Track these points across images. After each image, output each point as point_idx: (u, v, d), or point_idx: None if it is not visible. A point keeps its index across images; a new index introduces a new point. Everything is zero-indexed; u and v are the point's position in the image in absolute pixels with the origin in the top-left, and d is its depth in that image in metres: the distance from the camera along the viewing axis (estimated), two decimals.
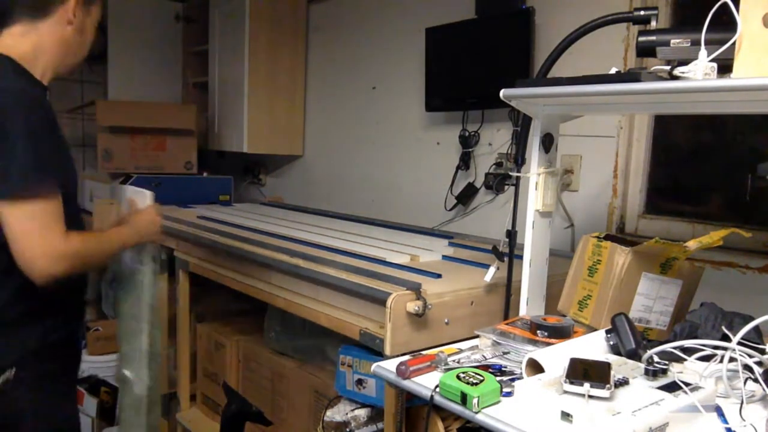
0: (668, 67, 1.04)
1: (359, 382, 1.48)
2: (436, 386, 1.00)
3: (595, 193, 1.95)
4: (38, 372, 1.31)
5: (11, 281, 1.25)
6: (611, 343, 1.12)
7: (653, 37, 1.11)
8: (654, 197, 1.91)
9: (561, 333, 1.19)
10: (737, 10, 0.94)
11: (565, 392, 0.90)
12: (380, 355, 1.30)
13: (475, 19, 2.21)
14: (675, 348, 1.09)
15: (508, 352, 1.17)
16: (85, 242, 1.29)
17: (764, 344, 1.05)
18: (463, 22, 2.23)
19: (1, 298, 1.27)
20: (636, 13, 1.25)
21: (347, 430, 1.47)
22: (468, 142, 2.30)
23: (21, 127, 1.18)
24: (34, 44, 1.32)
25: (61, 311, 1.37)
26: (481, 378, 0.97)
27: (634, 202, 1.91)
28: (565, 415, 0.86)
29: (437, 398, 1.00)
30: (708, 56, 0.98)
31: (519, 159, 1.42)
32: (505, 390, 0.98)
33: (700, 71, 0.98)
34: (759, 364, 1.00)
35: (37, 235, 1.18)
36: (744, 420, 0.92)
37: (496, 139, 2.24)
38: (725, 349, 1.01)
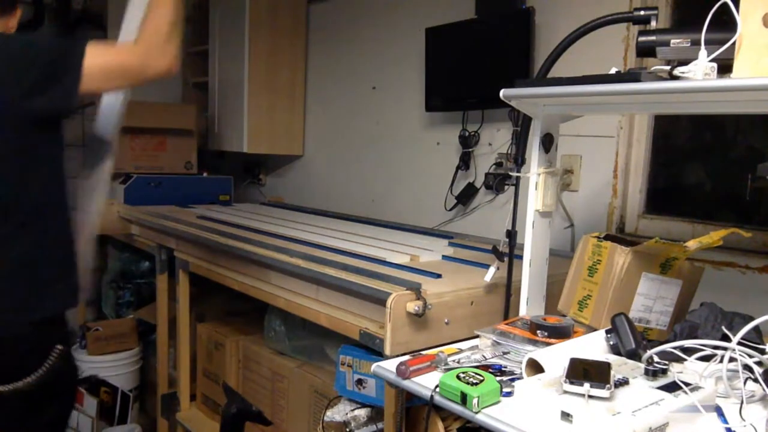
0: (668, 67, 1.04)
1: (359, 382, 1.48)
2: (436, 386, 1.00)
3: (595, 193, 1.95)
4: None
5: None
6: (611, 343, 1.12)
7: (653, 37, 1.11)
8: (654, 197, 1.91)
9: (561, 333, 1.19)
10: (737, 10, 0.94)
11: (565, 392, 0.90)
12: (380, 355, 1.30)
13: (475, 19, 2.21)
14: (675, 348, 1.09)
15: (508, 352, 1.17)
16: (151, 23, 1.33)
17: (764, 344, 1.05)
18: (463, 22, 2.23)
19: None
20: (636, 13, 1.25)
21: (347, 430, 1.47)
22: (468, 142, 2.30)
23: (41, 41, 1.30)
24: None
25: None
26: (481, 378, 0.97)
27: (634, 202, 1.91)
28: (565, 415, 0.86)
29: (437, 398, 1.00)
30: (708, 56, 0.98)
31: (519, 159, 1.42)
32: (505, 390, 0.98)
33: (700, 71, 0.98)
34: (759, 364, 1.00)
35: (121, 55, 1.31)
36: (744, 420, 0.92)
37: (496, 139, 2.24)
38: (725, 349, 1.01)
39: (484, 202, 2.29)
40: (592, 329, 1.24)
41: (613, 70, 1.12)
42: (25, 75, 1.24)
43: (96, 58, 1.27)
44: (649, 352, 1.04)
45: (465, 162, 2.32)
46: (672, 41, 1.07)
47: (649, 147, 1.89)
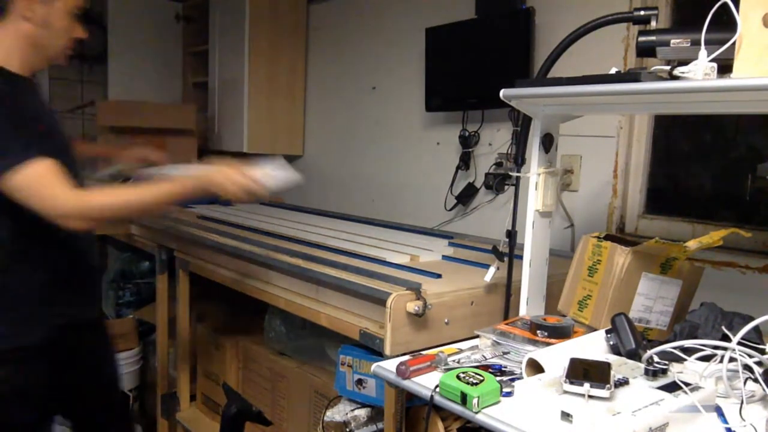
0: (668, 67, 1.04)
1: (359, 382, 1.48)
2: (436, 386, 1.00)
3: (595, 193, 1.95)
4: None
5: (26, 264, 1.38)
6: (611, 343, 1.12)
7: (653, 37, 1.11)
8: (654, 197, 1.91)
9: (561, 333, 1.19)
10: (737, 10, 0.94)
11: (565, 392, 0.90)
12: (380, 355, 1.30)
13: (475, 19, 2.21)
14: (675, 348, 1.09)
15: (508, 352, 1.17)
16: (103, 194, 1.33)
17: (764, 344, 1.05)
18: (463, 22, 2.23)
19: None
20: (636, 13, 1.25)
21: (347, 430, 1.47)
22: (468, 142, 2.30)
23: None
24: (1, 40, 1.34)
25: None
26: (481, 378, 0.97)
27: (634, 202, 1.91)
28: (565, 415, 0.86)
29: (437, 398, 1.00)
30: (708, 56, 0.98)
31: (519, 159, 1.42)
32: (505, 390, 0.98)
33: (700, 71, 0.98)
34: (759, 364, 1.00)
35: (41, 197, 1.25)
36: (744, 420, 0.92)
37: (496, 139, 2.24)
38: (725, 349, 1.01)
39: (484, 202, 2.29)
40: (592, 329, 1.24)
41: (613, 70, 1.12)
42: None
43: (18, 181, 1.23)
44: (649, 352, 1.04)
45: (465, 162, 2.32)
46: (672, 41, 1.07)
47: (649, 147, 1.89)
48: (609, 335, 1.13)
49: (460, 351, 1.19)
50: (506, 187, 2.18)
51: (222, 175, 1.40)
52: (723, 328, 1.13)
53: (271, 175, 1.41)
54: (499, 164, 2.21)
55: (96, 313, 1.69)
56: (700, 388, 0.93)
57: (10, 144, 1.25)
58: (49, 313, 1.47)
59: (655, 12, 1.22)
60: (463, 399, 0.94)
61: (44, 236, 1.39)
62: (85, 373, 1.63)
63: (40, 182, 1.25)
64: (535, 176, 1.34)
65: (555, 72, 1.37)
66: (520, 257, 1.37)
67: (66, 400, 1.60)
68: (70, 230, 1.30)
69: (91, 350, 1.65)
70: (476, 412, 0.93)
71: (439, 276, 1.46)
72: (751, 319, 1.11)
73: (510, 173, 2.13)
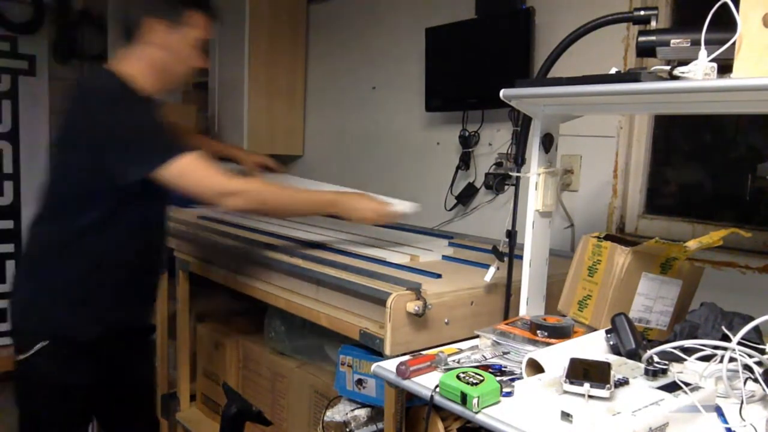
0: (668, 67, 1.04)
1: (359, 382, 1.48)
2: (436, 386, 1.00)
3: (595, 193, 1.95)
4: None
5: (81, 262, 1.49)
6: (611, 343, 1.12)
7: (653, 37, 1.11)
8: (654, 197, 1.91)
9: (561, 333, 1.19)
10: (737, 10, 0.94)
11: (565, 392, 0.90)
12: (380, 355, 1.30)
13: (475, 19, 2.21)
14: (675, 348, 1.09)
15: (508, 352, 1.17)
16: (259, 185, 1.54)
17: (764, 344, 1.05)
18: (463, 22, 2.23)
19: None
20: (636, 13, 1.25)
21: (347, 430, 1.47)
22: (468, 142, 2.30)
23: (129, 126, 1.43)
24: (131, 65, 1.50)
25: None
26: (481, 378, 0.97)
27: (634, 202, 1.91)
28: (565, 415, 0.86)
29: (437, 398, 1.00)
30: (708, 56, 0.97)
31: (519, 159, 1.42)
32: (505, 390, 0.98)
33: (700, 71, 0.98)
34: (759, 364, 1.00)
35: (198, 182, 1.44)
36: (744, 420, 0.92)
37: (496, 139, 2.24)
38: (725, 349, 1.01)
39: (484, 202, 2.29)
40: (592, 329, 1.24)
41: (613, 70, 1.12)
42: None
43: (173, 171, 1.42)
44: (649, 352, 1.04)
45: (465, 162, 2.32)
46: (672, 41, 1.07)
47: (649, 147, 1.89)
48: (609, 335, 1.13)
49: (460, 351, 1.19)
50: (506, 187, 2.18)
51: (358, 199, 1.61)
52: (723, 328, 1.13)
53: (398, 203, 1.61)
54: (499, 164, 2.21)
55: (149, 320, 1.81)
56: (700, 388, 0.93)
57: (162, 142, 1.44)
58: (112, 314, 1.57)
59: (655, 12, 1.22)
60: (463, 399, 0.94)
61: (128, 243, 1.54)
62: (126, 376, 1.72)
63: (197, 168, 1.43)
64: (535, 176, 1.34)
65: (555, 72, 1.37)
66: (520, 257, 1.37)
67: (103, 400, 1.66)
68: (227, 208, 1.47)
69: (137, 355, 1.76)
70: (476, 412, 0.93)
71: (439, 276, 1.46)
72: (751, 319, 1.11)
73: (510, 173, 2.13)
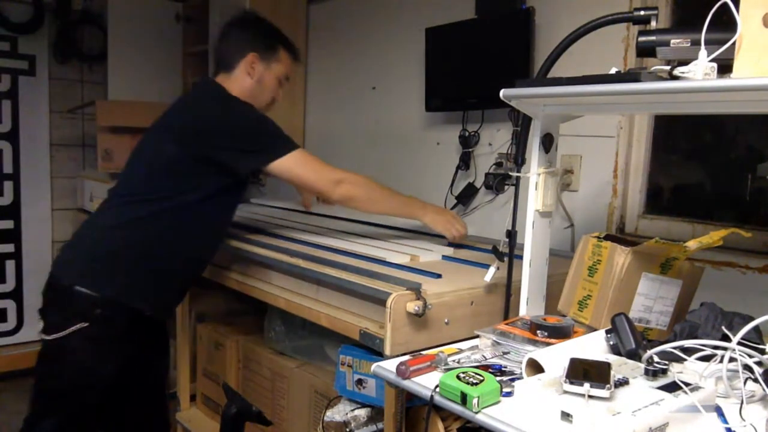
0: (668, 67, 1.04)
1: (359, 382, 1.48)
2: (436, 386, 1.00)
3: (595, 193, 1.95)
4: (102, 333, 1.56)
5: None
6: (611, 343, 1.12)
7: (653, 37, 1.10)
8: (654, 197, 1.91)
9: (561, 333, 1.19)
10: (737, 10, 0.94)
11: (565, 392, 0.90)
12: (380, 355, 1.30)
13: (475, 19, 2.21)
14: (675, 348, 1.08)
15: (508, 352, 1.17)
16: (362, 178, 1.69)
17: (764, 344, 1.05)
18: (463, 22, 2.23)
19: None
20: (636, 13, 1.25)
21: (347, 430, 1.47)
22: (468, 142, 2.30)
23: (251, 118, 1.64)
24: (231, 89, 1.70)
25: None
26: (481, 378, 0.97)
27: (634, 202, 1.91)
28: (565, 415, 0.86)
29: (437, 398, 0.99)
30: (708, 56, 0.97)
31: (519, 159, 1.42)
32: (505, 390, 0.98)
33: (700, 71, 0.98)
34: (759, 364, 1.00)
35: (313, 172, 1.64)
36: (744, 420, 0.92)
37: (496, 139, 2.24)
38: (725, 349, 1.01)
39: (484, 202, 2.29)
40: (592, 329, 1.24)
41: (613, 70, 1.12)
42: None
43: (290, 162, 1.62)
44: (649, 352, 1.04)
45: (465, 162, 2.32)
46: (672, 41, 1.07)
47: (649, 147, 1.89)
48: (609, 335, 1.13)
49: (460, 351, 1.19)
50: (506, 187, 2.18)
51: (442, 211, 1.85)
52: (723, 328, 1.13)
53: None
54: (499, 164, 2.21)
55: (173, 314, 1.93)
56: (700, 388, 0.93)
57: (280, 135, 1.63)
58: (164, 296, 1.71)
59: (655, 12, 1.22)
60: (463, 399, 0.94)
61: (204, 233, 1.71)
62: (147, 371, 1.81)
63: (311, 160, 1.65)
64: (535, 176, 1.34)
65: (555, 72, 1.37)
66: (520, 257, 1.37)
67: (120, 399, 1.71)
68: (337, 195, 1.65)
69: (159, 350, 1.86)
70: (476, 412, 0.93)
71: (439, 276, 1.46)
72: (751, 319, 1.11)
73: (510, 173, 2.13)
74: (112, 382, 1.61)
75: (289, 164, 1.60)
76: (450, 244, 1.90)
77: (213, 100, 1.66)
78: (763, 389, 0.98)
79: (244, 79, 1.72)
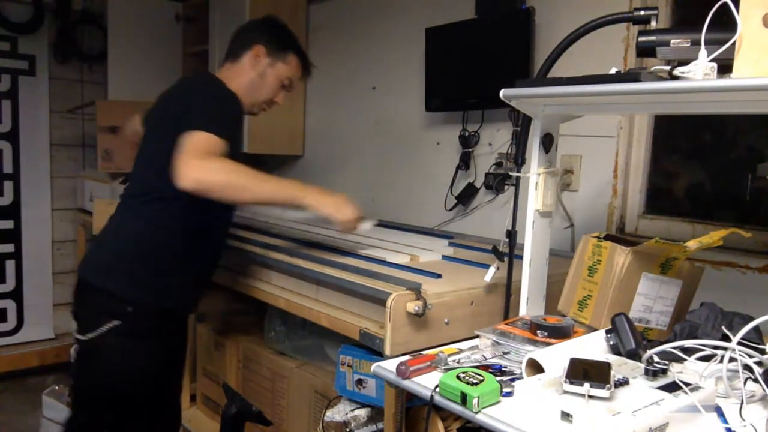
0: (668, 67, 1.04)
1: (359, 382, 1.48)
2: (436, 386, 1.00)
3: (595, 193, 1.95)
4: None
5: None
6: (611, 343, 1.12)
7: (653, 37, 1.10)
8: (654, 197, 1.91)
9: (561, 333, 1.19)
10: (737, 10, 0.94)
11: (565, 392, 0.90)
12: (380, 355, 1.30)
13: (475, 19, 2.21)
14: (675, 348, 1.08)
15: (508, 352, 1.17)
16: (233, 164, 1.45)
17: (764, 344, 1.05)
18: (463, 22, 2.23)
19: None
20: (636, 13, 1.25)
21: (347, 430, 1.47)
22: (468, 142, 2.30)
23: (213, 98, 1.56)
24: (232, 77, 1.69)
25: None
26: (481, 378, 0.97)
27: (634, 202, 1.91)
28: (565, 415, 0.86)
29: (437, 398, 1.00)
30: (708, 56, 0.97)
31: (519, 159, 1.42)
32: (505, 390, 0.98)
33: (700, 71, 0.98)
34: (759, 364, 1.00)
35: (186, 152, 1.40)
36: (744, 420, 0.92)
37: (496, 139, 2.24)
38: (725, 349, 1.01)
39: (484, 202, 2.29)
40: (592, 329, 1.24)
41: (613, 70, 1.12)
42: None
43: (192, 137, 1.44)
44: (649, 352, 1.04)
45: (465, 162, 2.32)
46: (672, 41, 1.07)
47: (649, 147, 1.89)
48: (609, 335, 1.13)
49: (460, 351, 1.19)
50: (506, 187, 2.18)
51: (334, 198, 1.55)
52: (723, 328, 1.13)
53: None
54: (499, 164, 2.21)
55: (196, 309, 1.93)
56: (700, 388, 0.93)
57: (219, 119, 1.49)
58: (187, 294, 1.72)
59: (655, 12, 1.22)
60: (463, 399, 0.94)
61: (219, 231, 1.72)
62: (174, 365, 1.82)
63: (203, 145, 1.42)
64: (535, 176, 1.34)
65: (555, 72, 1.37)
66: (520, 257, 1.37)
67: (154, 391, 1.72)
68: (184, 186, 1.41)
69: (183, 346, 1.86)
70: (476, 412, 0.93)
71: (439, 276, 1.47)
72: (751, 319, 1.11)
73: (510, 173, 2.13)
74: (151, 376, 1.65)
75: (186, 138, 1.42)
76: (450, 243, 1.90)
77: (196, 84, 1.63)
78: (763, 389, 0.98)
79: (247, 71, 1.70)
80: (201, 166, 1.39)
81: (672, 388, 0.92)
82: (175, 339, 1.77)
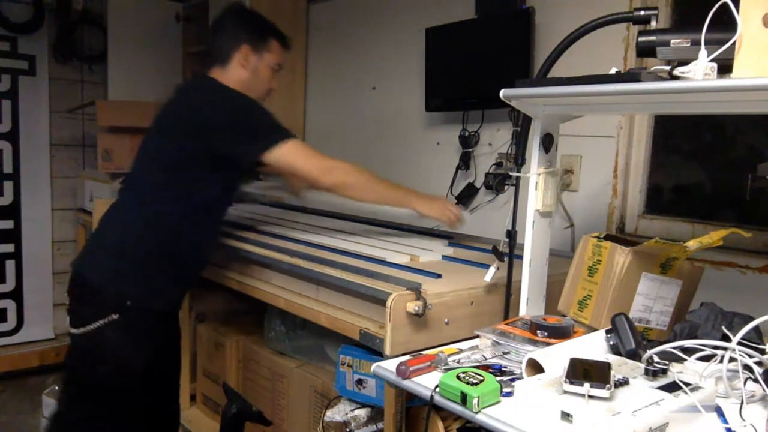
0: (668, 67, 1.04)
1: (359, 382, 1.48)
2: (436, 386, 1.00)
3: (595, 193, 1.95)
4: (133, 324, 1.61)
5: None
6: (611, 343, 1.12)
7: (653, 37, 1.10)
8: (654, 197, 1.91)
9: (561, 333, 1.19)
10: (737, 10, 0.94)
11: (565, 392, 0.90)
12: (380, 355, 1.30)
13: (475, 19, 2.21)
14: (675, 348, 1.08)
15: (508, 352, 1.17)
16: (354, 166, 1.69)
17: (764, 344, 1.05)
18: (463, 22, 2.23)
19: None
20: (636, 13, 1.25)
21: (347, 430, 1.47)
22: (468, 142, 2.30)
23: (246, 108, 1.65)
24: (228, 82, 1.71)
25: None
26: (481, 378, 0.97)
27: (634, 202, 1.91)
28: (565, 415, 0.86)
29: (437, 398, 1.00)
30: (708, 56, 0.97)
31: (519, 159, 1.42)
32: (505, 390, 0.98)
33: (700, 71, 0.98)
34: (759, 364, 1.00)
35: (306, 160, 1.63)
36: (744, 420, 0.92)
37: (496, 139, 2.24)
38: (725, 349, 1.01)
39: (484, 202, 2.29)
40: (592, 329, 1.24)
41: (613, 70, 1.12)
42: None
43: (283, 151, 1.62)
44: (649, 352, 1.04)
45: (465, 162, 2.32)
46: (672, 41, 1.07)
47: (649, 147, 1.89)
48: (609, 335, 1.13)
49: (460, 351, 1.19)
50: (506, 187, 2.18)
51: (431, 197, 1.80)
52: (723, 328, 1.13)
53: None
54: (499, 164, 2.21)
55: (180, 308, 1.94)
56: (700, 388, 0.93)
57: (275, 127, 1.65)
58: (176, 293, 1.75)
59: (655, 12, 1.22)
60: (463, 399, 0.94)
61: (211, 228, 1.76)
62: (169, 361, 1.88)
63: (303, 149, 1.66)
64: (535, 176, 1.34)
65: (555, 72, 1.37)
66: (520, 257, 1.37)
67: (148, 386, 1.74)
68: (326, 187, 1.65)
69: (177, 337, 1.92)
70: (476, 412, 0.93)
71: (439, 276, 1.47)
72: (751, 319, 1.11)
73: (510, 173, 2.13)
74: (143, 371, 1.66)
75: (283, 153, 1.61)
76: (450, 243, 1.90)
77: (208, 94, 1.67)
78: (763, 389, 0.98)
79: (240, 72, 1.74)
80: (331, 168, 1.64)
81: (672, 388, 0.92)
82: (167, 334, 1.81)
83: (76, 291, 1.65)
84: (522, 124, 1.44)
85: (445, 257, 1.74)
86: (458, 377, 0.97)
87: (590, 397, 0.88)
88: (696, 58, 0.99)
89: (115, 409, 1.63)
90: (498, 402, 0.96)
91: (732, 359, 1.00)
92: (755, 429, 0.91)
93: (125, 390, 1.63)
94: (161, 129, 1.71)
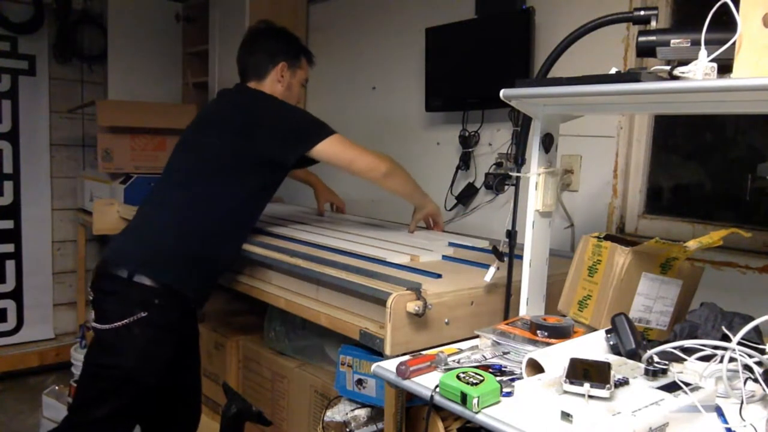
0: (668, 67, 1.04)
1: (359, 382, 1.48)
2: (436, 386, 1.00)
3: (595, 193, 1.95)
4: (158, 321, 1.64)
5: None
6: (611, 343, 1.12)
7: (653, 37, 1.11)
8: (654, 197, 1.91)
9: (561, 333, 1.19)
10: (737, 10, 0.94)
11: (565, 392, 0.90)
12: (380, 355, 1.30)
13: (475, 19, 2.21)
14: (675, 348, 1.08)
15: (508, 352, 1.17)
16: (389, 157, 1.87)
17: (764, 344, 1.05)
18: (463, 22, 2.23)
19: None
20: (636, 13, 1.25)
21: (347, 430, 1.47)
22: (468, 142, 2.30)
23: (291, 110, 1.82)
24: None
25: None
26: (481, 378, 0.97)
27: (634, 202, 1.91)
28: (565, 415, 0.86)
29: (437, 398, 1.00)
30: (708, 56, 0.97)
31: (519, 159, 1.42)
32: (505, 390, 0.98)
33: (700, 71, 0.98)
34: (759, 364, 1.00)
35: (358, 152, 1.78)
36: (744, 420, 0.92)
37: (496, 139, 2.24)
38: (725, 349, 1.01)
39: (484, 202, 2.29)
40: (592, 329, 1.24)
41: (613, 70, 1.12)
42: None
43: (331, 146, 1.76)
44: (649, 352, 1.04)
45: (465, 162, 2.32)
46: (672, 41, 1.07)
47: (649, 147, 1.89)
48: (609, 335, 1.13)
49: (460, 351, 1.19)
50: (506, 187, 2.18)
51: (437, 212, 2.12)
52: (723, 328, 1.13)
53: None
54: (499, 164, 2.21)
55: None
56: (700, 388, 0.93)
57: (321, 124, 1.78)
58: (209, 288, 1.79)
59: (655, 12, 1.22)
60: (463, 399, 0.94)
61: (243, 227, 1.81)
62: (188, 365, 1.92)
63: (348, 143, 1.78)
64: (535, 176, 1.34)
65: (555, 72, 1.37)
66: (520, 257, 1.37)
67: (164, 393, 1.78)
68: (371, 176, 1.80)
69: (196, 334, 1.97)
70: (476, 412, 0.93)
71: (439, 276, 1.46)
72: (751, 319, 1.11)
73: (510, 173, 2.13)
74: (166, 369, 1.69)
75: (329, 145, 1.74)
76: (451, 243, 1.90)
77: (257, 99, 1.82)
78: (763, 389, 0.98)
79: (275, 86, 1.88)
80: (374, 158, 1.79)
81: (672, 388, 0.92)
82: (189, 332, 1.88)
83: (105, 285, 1.66)
84: (522, 124, 1.44)
85: (445, 257, 1.74)
86: (458, 377, 0.97)
87: (590, 397, 0.88)
88: (696, 58, 0.99)
89: (136, 406, 1.66)
90: (498, 402, 0.96)
91: (732, 359, 1.00)
92: (755, 429, 0.91)
93: (148, 387, 1.65)
94: (209, 130, 1.79)
